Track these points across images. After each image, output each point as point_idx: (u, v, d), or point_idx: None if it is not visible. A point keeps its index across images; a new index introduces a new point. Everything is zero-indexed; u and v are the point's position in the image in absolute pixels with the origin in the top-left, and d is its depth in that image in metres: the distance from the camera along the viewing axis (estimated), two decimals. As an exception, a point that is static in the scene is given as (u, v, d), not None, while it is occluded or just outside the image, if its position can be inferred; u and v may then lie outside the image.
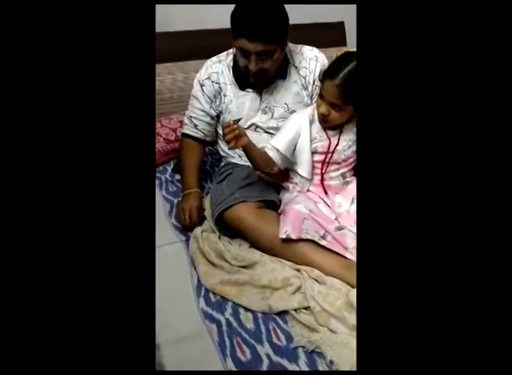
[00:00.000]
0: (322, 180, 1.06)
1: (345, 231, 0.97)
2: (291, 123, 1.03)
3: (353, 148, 1.05)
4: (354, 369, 0.69)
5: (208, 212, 1.11)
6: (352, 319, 0.77)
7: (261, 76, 1.05)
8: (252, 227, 1.00)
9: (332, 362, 0.71)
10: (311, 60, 1.12)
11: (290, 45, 1.13)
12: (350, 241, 0.95)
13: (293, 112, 1.12)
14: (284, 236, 0.94)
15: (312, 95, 1.13)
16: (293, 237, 0.93)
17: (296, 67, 1.13)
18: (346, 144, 1.03)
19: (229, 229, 1.04)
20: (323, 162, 1.04)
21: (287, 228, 0.94)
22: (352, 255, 0.93)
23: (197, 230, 1.04)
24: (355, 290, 0.82)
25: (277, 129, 1.11)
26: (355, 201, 1.03)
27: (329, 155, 1.03)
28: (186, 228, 1.09)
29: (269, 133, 1.14)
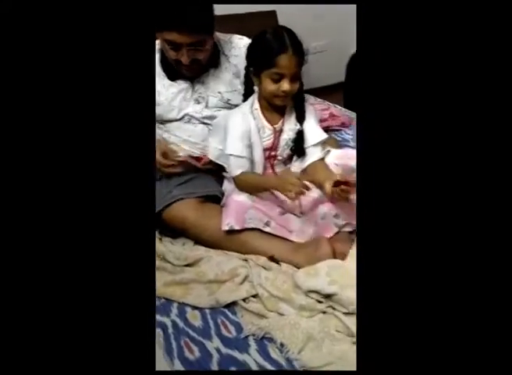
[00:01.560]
0: (273, 170, 1.03)
1: (288, 215, 0.96)
2: (235, 125, 0.98)
3: (290, 146, 1.02)
4: (303, 349, 0.67)
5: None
6: (299, 299, 0.76)
7: (194, 67, 1.01)
8: (194, 225, 0.96)
9: (282, 345, 0.69)
10: (241, 48, 1.09)
11: (219, 34, 1.11)
12: (294, 223, 0.95)
13: (228, 100, 1.09)
14: (227, 228, 0.91)
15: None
16: (237, 227, 0.91)
17: (226, 55, 1.11)
18: (285, 143, 1.01)
19: (169, 228, 0.99)
20: (269, 156, 1.02)
21: (229, 220, 0.91)
22: (297, 237, 0.93)
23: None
24: (300, 270, 0.81)
25: (212, 118, 1.08)
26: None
27: (275, 146, 1.01)
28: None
29: (205, 123, 1.10)
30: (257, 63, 0.94)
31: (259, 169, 1.01)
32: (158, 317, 0.79)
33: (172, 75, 1.07)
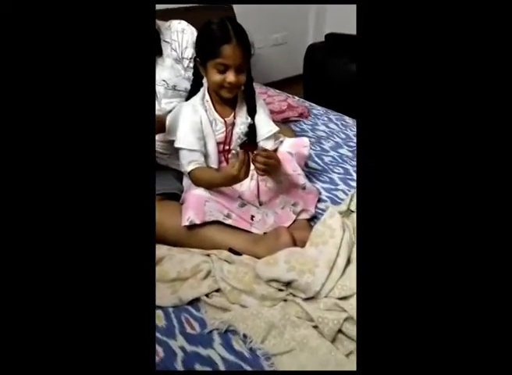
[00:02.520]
0: (228, 163, 1.03)
1: (248, 207, 0.97)
2: (186, 117, 0.97)
3: (243, 139, 1.02)
4: (266, 339, 0.68)
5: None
6: (260, 289, 0.76)
7: None
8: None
9: (245, 336, 0.69)
10: (179, 33, 1.10)
11: (159, 22, 1.10)
12: (254, 215, 0.95)
13: (175, 87, 1.08)
14: (187, 223, 0.90)
15: (187, 67, 1.10)
16: (197, 221, 0.90)
17: (167, 42, 1.10)
18: (237, 136, 1.01)
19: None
20: (223, 150, 1.02)
21: (189, 214, 0.90)
22: (257, 229, 0.93)
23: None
24: (260, 260, 0.82)
25: (168, 113, 1.06)
26: (254, 177, 1.02)
27: (228, 140, 1.01)
28: None
29: None
30: (203, 53, 0.94)
31: (214, 162, 1.00)
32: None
33: None
